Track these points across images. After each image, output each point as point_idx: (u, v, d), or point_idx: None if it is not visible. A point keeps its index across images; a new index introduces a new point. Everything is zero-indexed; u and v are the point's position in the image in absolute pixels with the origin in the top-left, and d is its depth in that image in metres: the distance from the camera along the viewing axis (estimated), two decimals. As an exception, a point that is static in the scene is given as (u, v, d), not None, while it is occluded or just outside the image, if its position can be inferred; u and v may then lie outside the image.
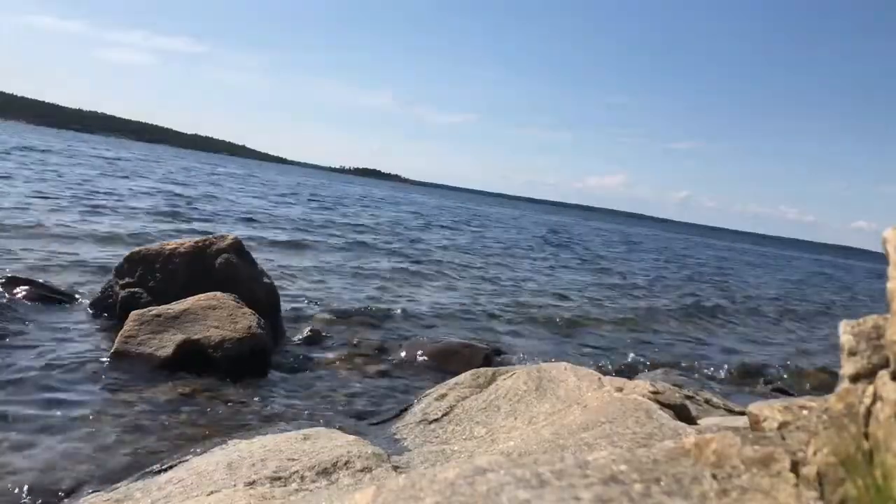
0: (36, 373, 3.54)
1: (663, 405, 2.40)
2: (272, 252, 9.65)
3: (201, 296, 4.28)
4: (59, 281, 5.64)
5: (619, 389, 2.62)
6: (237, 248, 5.10)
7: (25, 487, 2.40)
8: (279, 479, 2.05)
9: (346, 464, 2.14)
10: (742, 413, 2.94)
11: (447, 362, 4.87)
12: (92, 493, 2.32)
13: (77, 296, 5.30)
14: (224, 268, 4.90)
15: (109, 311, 4.86)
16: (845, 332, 0.96)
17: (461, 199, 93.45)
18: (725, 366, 6.46)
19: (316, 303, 6.47)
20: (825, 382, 5.94)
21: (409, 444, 2.74)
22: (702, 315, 10.01)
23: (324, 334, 5.24)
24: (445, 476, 0.89)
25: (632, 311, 9.24)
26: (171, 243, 5.04)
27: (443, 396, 3.14)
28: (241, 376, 3.86)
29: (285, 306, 5.67)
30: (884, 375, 0.88)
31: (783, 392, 5.54)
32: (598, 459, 0.92)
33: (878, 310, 0.96)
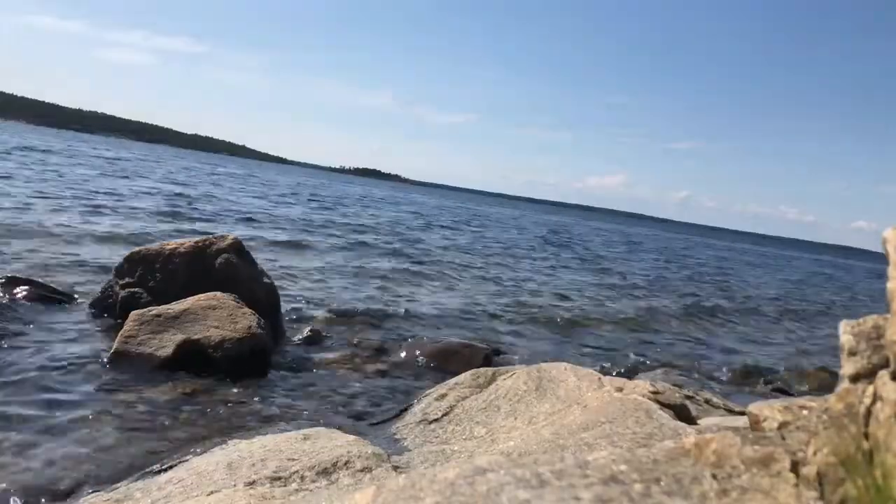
0: (36, 373, 3.54)
1: (663, 405, 2.40)
2: (272, 252, 9.66)
3: (201, 296, 4.28)
4: (59, 281, 5.63)
5: (619, 389, 2.63)
6: (237, 248, 5.10)
7: (25, 487, 2.40)
8: (279, 479, 2.05)
9: (346, 464, 2.14)
10: (742, 413, 2.94)
11: (447, 362, 4.87)
12: (92, 493, 2.32)
13: (77, 296, 5.30)
14: (224, 268, 4.90)
15: (109, 311, 4.85)
16: (845, 332, 0.96)
17: (461, 199, 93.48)
18: (725, 366, 6.47)
19: (316, 303, 6.46)
20: (825, 382, 5.94)
21: (409, 444, 2.74)
22: (702, 315, 10.01)
23: (324, 334, 5.24)
24: (445, 476, 0.89)
25: (632, 311, 9.24)
26: (171, 243, 5.04)
27: (443, 396, 3.14)
28: (241, 376, 3.86)
29: (285, 306, 5.67)
30: (884, 375, 0.88)
31: (783, 392, 5.54)
32: (598, 459, 0.92)
33: (878, 310, 0.96)
